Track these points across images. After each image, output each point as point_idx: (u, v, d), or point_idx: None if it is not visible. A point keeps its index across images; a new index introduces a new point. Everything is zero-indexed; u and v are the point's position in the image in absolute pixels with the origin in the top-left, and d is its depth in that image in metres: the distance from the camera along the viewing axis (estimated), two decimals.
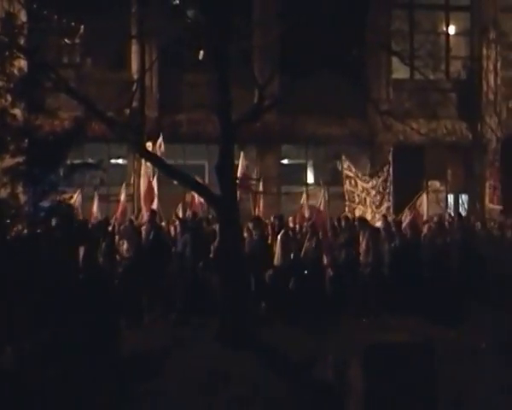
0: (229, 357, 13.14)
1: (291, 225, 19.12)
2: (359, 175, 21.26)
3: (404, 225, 19.25)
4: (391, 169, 21.02)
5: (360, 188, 21.26)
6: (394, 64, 24.57)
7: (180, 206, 19.52)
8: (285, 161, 24.71)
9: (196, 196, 19.00)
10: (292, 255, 17.21)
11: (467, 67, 25.07)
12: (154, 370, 12.49)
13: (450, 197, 24.00)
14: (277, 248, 17.06)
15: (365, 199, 21.20)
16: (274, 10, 20.76)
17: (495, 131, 21.86)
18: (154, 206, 19.39)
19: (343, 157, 21.40)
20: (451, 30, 26.75)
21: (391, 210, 21.06)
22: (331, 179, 22.66)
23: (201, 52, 19.56)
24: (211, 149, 19.48)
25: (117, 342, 12.09)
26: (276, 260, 17.00)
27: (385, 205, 20.80)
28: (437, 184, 24.89)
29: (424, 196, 20.84)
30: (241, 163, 20.19)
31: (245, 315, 14.44)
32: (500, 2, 26.20)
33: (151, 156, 17.01)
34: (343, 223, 18.68)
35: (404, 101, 24.02)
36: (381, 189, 21.04)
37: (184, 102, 22.28)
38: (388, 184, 20.98)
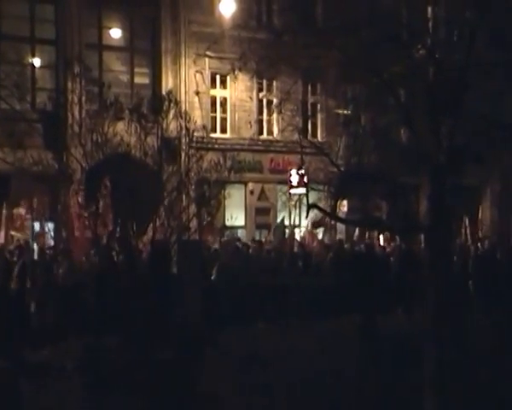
0: None
1: None
2: None
3: None
4: None
5: None
6: None
7: None
8: None
9: None
10: None
11: (52, 99, 25.56)
12: None
13: (37, 225, 24.32)
14: None
15: None
16: None
17: (80, 161, 22.38)
18: None
19: None
20: (37, 62, 27.32)
21: None
22: None
23: None
24: None
25: None
26: None
27: None
28: (23, 211, 25.18)
29: None
30: None
31: None
32: (84, 39, 27.34)
33: None
34: None
35: None
36: None
37: None
38: None
